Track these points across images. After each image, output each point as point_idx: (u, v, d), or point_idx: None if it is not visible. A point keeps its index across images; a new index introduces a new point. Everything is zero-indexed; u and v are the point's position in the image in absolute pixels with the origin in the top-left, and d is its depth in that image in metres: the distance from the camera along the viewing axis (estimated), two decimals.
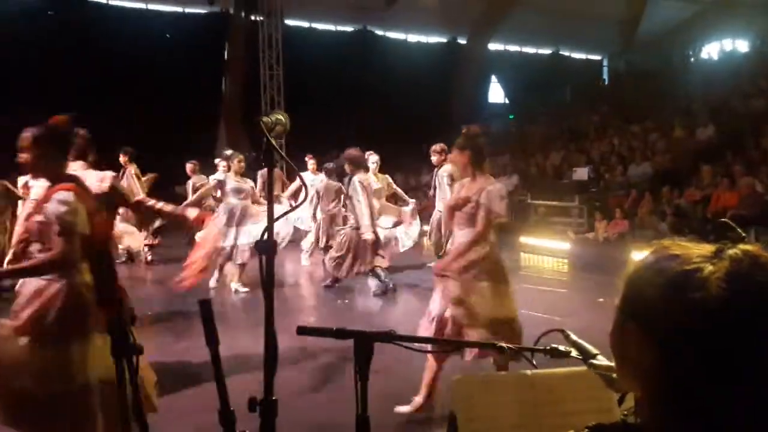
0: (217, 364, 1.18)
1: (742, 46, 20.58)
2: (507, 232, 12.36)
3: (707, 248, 0.92)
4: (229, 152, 8.09)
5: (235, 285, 7.69)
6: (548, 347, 1.43)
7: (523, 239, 11.24)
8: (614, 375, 1.24)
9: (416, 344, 1.47)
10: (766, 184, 9.97)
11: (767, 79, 14.59)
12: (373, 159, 8.47)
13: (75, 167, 3.36)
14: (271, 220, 1.24)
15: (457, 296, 3.66)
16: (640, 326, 0.92)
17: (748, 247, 0.90)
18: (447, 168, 8.13)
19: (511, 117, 21.91)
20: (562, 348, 1.40)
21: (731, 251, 0.89)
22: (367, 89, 17.38)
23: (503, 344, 1.39)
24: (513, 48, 22.96)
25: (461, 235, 3.85)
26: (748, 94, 14.56)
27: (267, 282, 1.21)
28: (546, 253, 10.50)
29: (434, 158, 8.61)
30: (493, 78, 23.42)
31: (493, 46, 22.04)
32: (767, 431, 0.86)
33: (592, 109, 18.49)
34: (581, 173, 12.19)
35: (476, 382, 1.70)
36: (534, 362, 1.47)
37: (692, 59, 21.27)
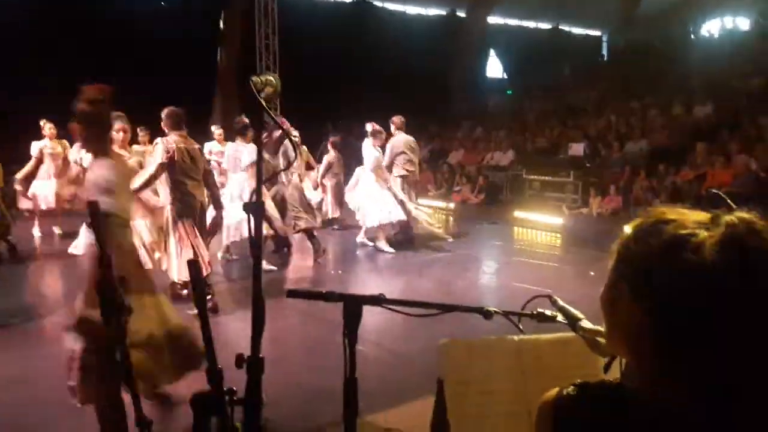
0: (204, 322, 1.19)
1: (743, 23, 20.39)
2: (502, 206, 12.46)
3: (703, 215, 0.92)
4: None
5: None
6: (535, 312, 1.44)
7: (518, 213, 11.28)
8: (600, 339, 1.26)
9: (406, 308, 1.47)
10: (760, 162, 9.98)
11: (766, 58, 14.50)
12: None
13: None
14: (260, 181, 1.24)
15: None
16: (632, 287, 0.93)
17: (744, 214, 0.90)
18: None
19: (509, 92, 21.77)
20: (548, 312, 1.42)
21: (727, 217, 0.89)
22: (365, 61, 17.22)
23: (491, 309, 1.40)
24: (512, 22, 22.71)
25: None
26: (748, 72, 14.47)
27: (255, 243, 1.22)
28: (540, 227, 10.55)
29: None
30: (492, 52, 23.20)
31: (493, 20, 21.78)
32: (753, 395, 0.87)
33: (591, 86, 18.38)
34: (577, 149, 12.17)
35: (462, 346, 1.72)
36: (521, 327, 1.49)
37: (692, 36, 21.10)
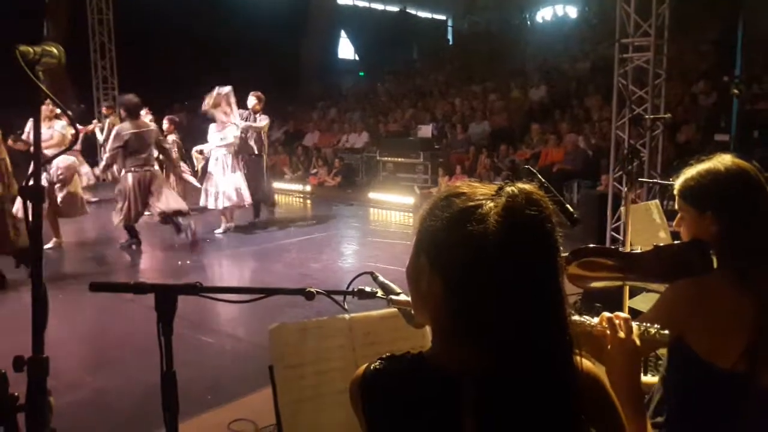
0: None
1: (572, 11, 22.12)
2: (358, 188, 12.60)
3: (491, 188, 0.96)
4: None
5: None
6: (356, 289, 1.44)
7: (372, 194, 11.48)
8: (411, 310, 1.28)
9: (224, 295, 1.41)
10: (588, 141, 10.94)
11: (592, 44, 15.87)
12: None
13: None
14: (38, 164, 1.11)
15: None
16: (429, 258, 0.97)
17: (524, 185, 0.95)
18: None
19: (361, 74, 21.97)
20: (368, 289, 1.42)
21: (509, 188, 0.94)
22: (211, 38, 16.44)
23: (312, 289, 1.38)
24: (361, 3, 22.85)
25: None
26: (576, 57, 15.78)
27: (34, 230, 1.08)
28: (393, 207, 10.81)
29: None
30: (343, 33, 23.24)
31: (342, 0, 21.78)
32: (544, 355, 0.93)
33: (438, 69, 19.07)
34: (425, 131, 12.58)
35: (293, 329, 1.69)
36: (346, 306, 1.48)
37: (529, 23, 22.54)
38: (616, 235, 7.00)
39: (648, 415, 1.92)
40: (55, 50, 1.15)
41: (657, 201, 3.26)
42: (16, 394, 1.07)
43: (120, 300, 5.22)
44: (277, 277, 6.58)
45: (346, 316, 1.73)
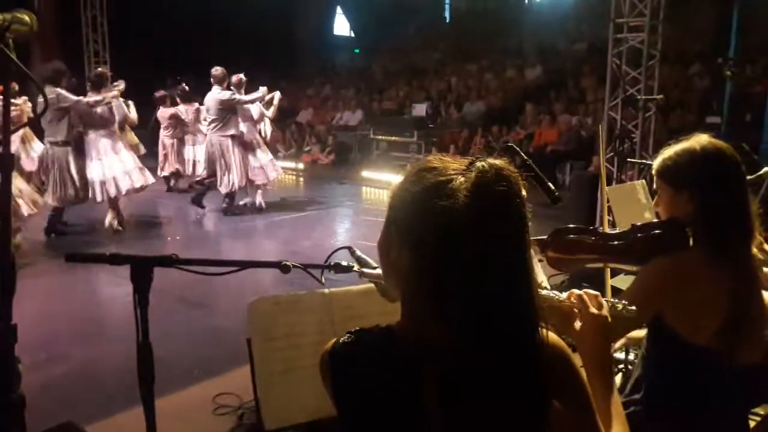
0: None
1: None
2: (351, 166, 12.56)
3: (463, 162, 0.96)
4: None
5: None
6: (332, 263, 1.44)
7: (365, 173, 11.45)
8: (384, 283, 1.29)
9: (200, 267, 1.41)
10: (582, 122, 10.91)
11: (589, 25, 15.73)
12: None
13: None
14: (7, 131, 1.10)
15: None
16: (398, 232, 0.96)
17: (495, 160, 0.94)
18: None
19: (356, 51, 21.74)
20: (344, 263, 1.42)
21: (479, 164, 0.93)
22: (204, 12, 16.20)
23: (288, 262, 1.38)
24: None
25: None
26: (573, 38, 15.66)
27: (3, 198, 1.08)
28: (385, 186, 10.77)
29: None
30: (339, 10, 22.94)
31: None
32: (510, 330, 0.93)
33: (434, 47, 18.89)
34: (419, 109, 12.50)
35: (271, 303, 1.70)
36: (323, 280, 1.48)
37: (526, 1, 22.29)
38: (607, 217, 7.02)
39: (626, 392, 1.95)
40: (26, 17, 1.12)
41: (643, 181, 3.26)
42: None
43: (114, 274, 5.21)
44: (267, 254, 6.60)
45: (326, 290, 1.73)
